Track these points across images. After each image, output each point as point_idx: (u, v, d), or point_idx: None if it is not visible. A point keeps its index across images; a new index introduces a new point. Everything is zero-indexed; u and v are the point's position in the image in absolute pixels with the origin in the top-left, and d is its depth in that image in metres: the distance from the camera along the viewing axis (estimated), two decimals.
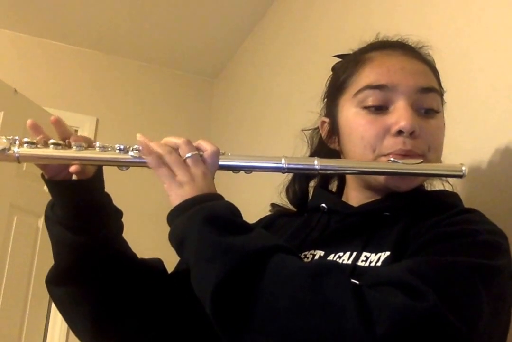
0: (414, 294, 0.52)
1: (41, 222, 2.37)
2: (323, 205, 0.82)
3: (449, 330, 0.51)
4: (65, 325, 2.39)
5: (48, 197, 0.74)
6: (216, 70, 3.09)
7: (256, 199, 1.40)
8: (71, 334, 2.37)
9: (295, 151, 0.92)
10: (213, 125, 3.08)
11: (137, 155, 0.68)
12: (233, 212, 0.65)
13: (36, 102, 2.40)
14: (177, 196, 0.66)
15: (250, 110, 2.54)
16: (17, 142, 0.67)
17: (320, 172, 0.73)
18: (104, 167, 0.74)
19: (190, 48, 2.89)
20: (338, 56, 0.90)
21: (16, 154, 0.66)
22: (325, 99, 0.88)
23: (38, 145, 0.68)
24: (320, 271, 0.55)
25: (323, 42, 1.90)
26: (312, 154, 0.89)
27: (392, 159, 0.72)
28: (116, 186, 0.88)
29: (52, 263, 0.76)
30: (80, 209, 0.71)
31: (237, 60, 2.86)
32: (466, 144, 1.02)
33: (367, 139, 0.74)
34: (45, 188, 0.73)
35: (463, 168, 0.75)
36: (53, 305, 2.38)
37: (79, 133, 2.68)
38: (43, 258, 2.31)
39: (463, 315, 0.52)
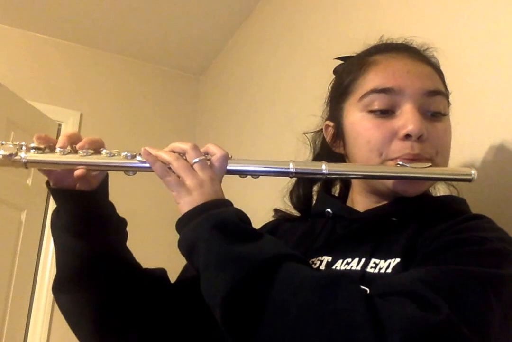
0: (427, 305, 0.51)
1: (24, 215, 2.37)
2: (328, 210, 0.81)
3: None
4: (46, 321, 2.38)
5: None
6: (202, 67, 3.08)
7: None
8: (53, 330, 2.38)
9: (290, 152, 0.91)
10: (198, 123, 3.06)
11: (144, 160, 0.68)
12: (242, 219, 0.64)
13: (20, 95, 2.38)
14: (186, 203, 0.65)
15: (237, 108, 2.52)
16: (23, 147, 0.67)
17: (328, 176, 0.72)
18: (114, 175, 0.73)
19: (176, 44, 2.87)
20: (340, 58, 0.88)
21: (24, 160, 0.66)
22: (329, 103, 0.87)
23: (45, 151, 0.67)
24: (332, 281, 0.55)
25: (312, 39, 1.89)
26: (316, 158, 0.88)
27: (400, 163, 0.72)
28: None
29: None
30: (83, 219, 0.71)
31: (224, 56, 2.85)
32: (469, 146, 1.01)
33: (374, 143, 0.73)
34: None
35: (473, 172, 0.74)
36: (34, 300, 2.39)
37: (62, 128, 2.69)
38: (25, 251, 2.31)
39: (476, 327, 0.52)
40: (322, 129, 0.87)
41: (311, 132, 0.92)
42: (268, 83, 2.21)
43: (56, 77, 2.78)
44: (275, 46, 2.21)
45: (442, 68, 0.82)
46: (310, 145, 0.91)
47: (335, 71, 0.88)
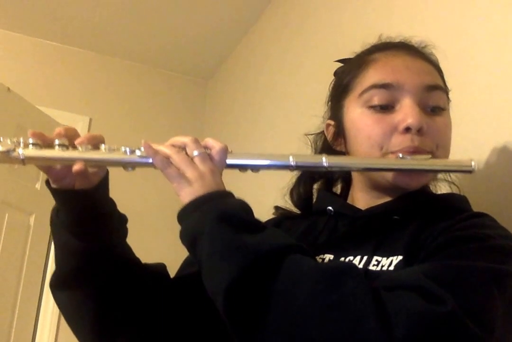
0: (432, 298, 0.51)
1: (32, 219, 2.36)
2: (330, 208, 0.81)
3: (467, 335, 0.50)
4: (54, 325, 2.39)
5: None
6: (210, 71, 3.08)
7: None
8: (60, 333, 2.38)
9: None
10: (206, 126, 3.06)
11: (144, 155, 0.67)
12: (245, 210, 0.64)
13: (29, 101, 2.40)
14: (187, 194, 0.64)
15: (245, 112, 2.52)
16: (21, 143, 0.65)
17: (329, 169, 0.71)
18: (114, 171, 0.73)
19: (184, 49, 2.88)
20: (340, 61, 0.89)
21: (21, 156, 0.65)
22: (329, 102, 0.87)
23: (43, 147, 0.66)
24: (337, 272, 0.55)
25: (320, 43, 1.89)
26: None
27: (400, 155, 0.72)
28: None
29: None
30: (83, 216, 0.70)
31: (232, 61, 2.85)
32: (471, 144, 1.01)
33: (374, 138, 0.73)
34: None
35: (473, 163, 0.74)
36: (42, 303, 2.39)
37: None
38: (34, 255, 2.31)
39: (480, 320, 0.52)
40: (323, 131, 0.87)
41: (312, 134, 0.92)
42: (276, 87, 2.21)
43: (65, 83, 2.80)
44: (283, 50, 2.21)
45: (443, 65, 0.82)
46: (312, 146, 0.91)
47: (336, 73, 0.89)
